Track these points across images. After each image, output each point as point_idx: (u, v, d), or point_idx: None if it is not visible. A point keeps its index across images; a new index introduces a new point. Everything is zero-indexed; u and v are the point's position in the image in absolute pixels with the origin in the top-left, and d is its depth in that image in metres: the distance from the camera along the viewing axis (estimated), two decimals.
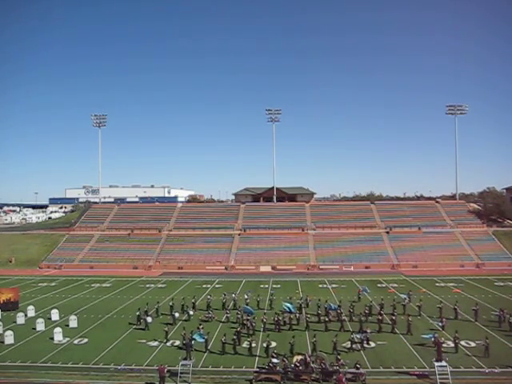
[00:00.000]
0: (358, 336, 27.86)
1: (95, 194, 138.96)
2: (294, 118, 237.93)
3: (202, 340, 26.66)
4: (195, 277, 55.54)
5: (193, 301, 37.21)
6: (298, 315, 32.35)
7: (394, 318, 30.48)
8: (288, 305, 33.77)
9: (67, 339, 29.16)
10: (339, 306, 33.24)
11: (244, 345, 26.84)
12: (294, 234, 72.10)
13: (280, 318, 30.99)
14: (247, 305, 36.25)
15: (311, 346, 25.76)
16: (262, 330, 30.08)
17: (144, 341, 28.63)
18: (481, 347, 25.82)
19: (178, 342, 27.87)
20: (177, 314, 34.07)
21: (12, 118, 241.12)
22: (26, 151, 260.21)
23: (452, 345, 26.65)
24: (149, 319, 32.50)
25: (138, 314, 32.81)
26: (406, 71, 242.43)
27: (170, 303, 36.04)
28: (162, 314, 35.12)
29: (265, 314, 32.52)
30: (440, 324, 30.23)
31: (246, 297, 39.07)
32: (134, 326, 32.18)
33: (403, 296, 38.05)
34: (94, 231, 77.08)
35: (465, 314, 33.68)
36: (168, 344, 27.71)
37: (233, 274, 58.16)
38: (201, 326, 29.22)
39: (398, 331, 29.60)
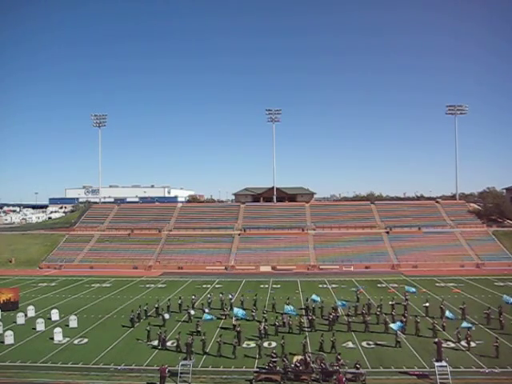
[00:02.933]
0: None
1: (95, 193, 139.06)
2: (293, 118, 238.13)
3: (211, 317, 29.98)
4: (195, 277, 55.54)
5: (179, 302, 36.81)
6: (311, 317, 31.58)
7: (418, 320, 29.97)
8: (289, 308, 32.67)
9: (67, 339, 29.16)
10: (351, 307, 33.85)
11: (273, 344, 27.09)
12: (294, 234, 72.08)
13: (302, 321, 30.74)
14: (231, 305, 36.47)
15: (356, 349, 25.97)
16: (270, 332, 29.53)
17: (144, 341, 28.59)
18: (481, 347, 25.95)
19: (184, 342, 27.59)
20: (192, 312, 34.33)
21: (12, 117, 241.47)
22: (26, 151, 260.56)
23: (452, 345, 26.80)
24: (166, 316, 33.02)
25: (131, 316, 32.35)
26: (406, 71, 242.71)
27: (156, 304, 35.90)
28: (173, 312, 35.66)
29: (277, 317, 31.54)
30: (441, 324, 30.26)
31: (229, 297, 38.70)
32: (151, 323, 31.82)
33: (412, 290, 39.77)
34: (94, 231, 77.07)
35: (457, 310, 33.67)
36: (168, 344, 27.61)
37: (233, 274, 58.14)
38: (199, 322, 29.97)
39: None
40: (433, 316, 32.49)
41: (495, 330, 29.53)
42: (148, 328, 29.09)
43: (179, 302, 36.96)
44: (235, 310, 32.28)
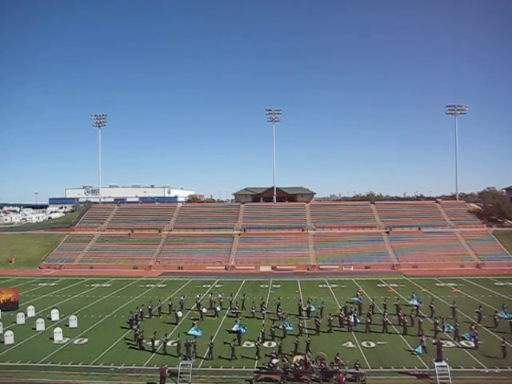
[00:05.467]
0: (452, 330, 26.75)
1: (95, 193, 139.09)
2: (294, 118, 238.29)
3: (199, 333, 27.79)
4: (195, 277, 55.53)
5: (170, 303, 36.73)
6: (319, 320, 30.54)
7: (437, 322, 29.57)
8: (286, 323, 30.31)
9: (67, 339, 29.16)
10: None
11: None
12: (294, 234, 72.07)
13: (319, 321, 30.11)
14: (221, 304, 36.59)
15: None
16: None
17: (144, 341, 28.53)
18: (481, 347, 25.95)
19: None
20: (204, 310, 34.72)
21: (12, 117, 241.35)
22: (26, 151, 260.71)
23: (452, 345, 26.78)
24: (179, 314, 33.40)
25: (130, 318, 32.21)
26: (406, 71, 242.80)
27: (149, 306, 35.71)
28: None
29: (289, 317, 31.32)
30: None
31: (219, 296, 38.66)
32: (167, 319, 32.64)
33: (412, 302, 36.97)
34: (94, 231, 77.06)
35: (461, 312, 33.77)
36: (168, 344, 27.60)
37: (233, 274, 58.12)
38: (195, 322, 30.23)
39: (397, 331, 29.70)
40: (425, 316, 32.73)
41: (491, 329, 29.69)
42: (135, 327, 29.26)
43: (169, 303, 36.85)
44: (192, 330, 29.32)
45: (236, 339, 26.82)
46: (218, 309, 35.65)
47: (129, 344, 28.19)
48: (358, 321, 31.15)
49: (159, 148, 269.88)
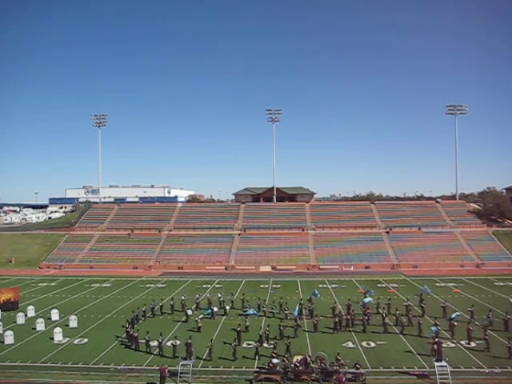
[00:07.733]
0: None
1: (95, 194, 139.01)
2: (294, 118, 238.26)
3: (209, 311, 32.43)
4: (195, 277, 55.54)
5: (171, 303, 36.85)
6: (317, 319, 30.85)
7: (455, 324, 29.20)
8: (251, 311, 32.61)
9: (67, 339, 29.16)
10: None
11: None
12: (294, 234, 72.07)
13: (337, 320, 30.26)
14: (220, 304, 36.70)
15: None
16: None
17: (144, 340, 28.54)
18: (481, 346, 25.95)
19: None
20: (215, 309, 34.99)
21: (12, 118, 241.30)
22: (26, 151, 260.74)
23: (452, 345, 26.73)
24: (189, 312, 33.81)
25: (131, 317, 31.94)
26: (407, 72, 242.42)
27: (152, 305, 35.85)
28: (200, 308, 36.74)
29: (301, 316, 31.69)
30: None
31: (219, 295, 38.72)
32: (177, 318, 33.53)
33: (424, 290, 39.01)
34: (94, 231, 77.07)
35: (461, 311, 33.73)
36: (168, 344, 27.60)
37: (233, 274, 58.14)
38: (199, 320, 30.87)
39: (397, 331, 29.69)
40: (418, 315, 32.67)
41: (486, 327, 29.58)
42: (128, 328, 29.12)
43: (171, 302, 37.02)
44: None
45: (236, 339, 26.74)
46: (228, 308, 35.93)
47: (120, 341, 28.44)
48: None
49: (159, 148, 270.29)
